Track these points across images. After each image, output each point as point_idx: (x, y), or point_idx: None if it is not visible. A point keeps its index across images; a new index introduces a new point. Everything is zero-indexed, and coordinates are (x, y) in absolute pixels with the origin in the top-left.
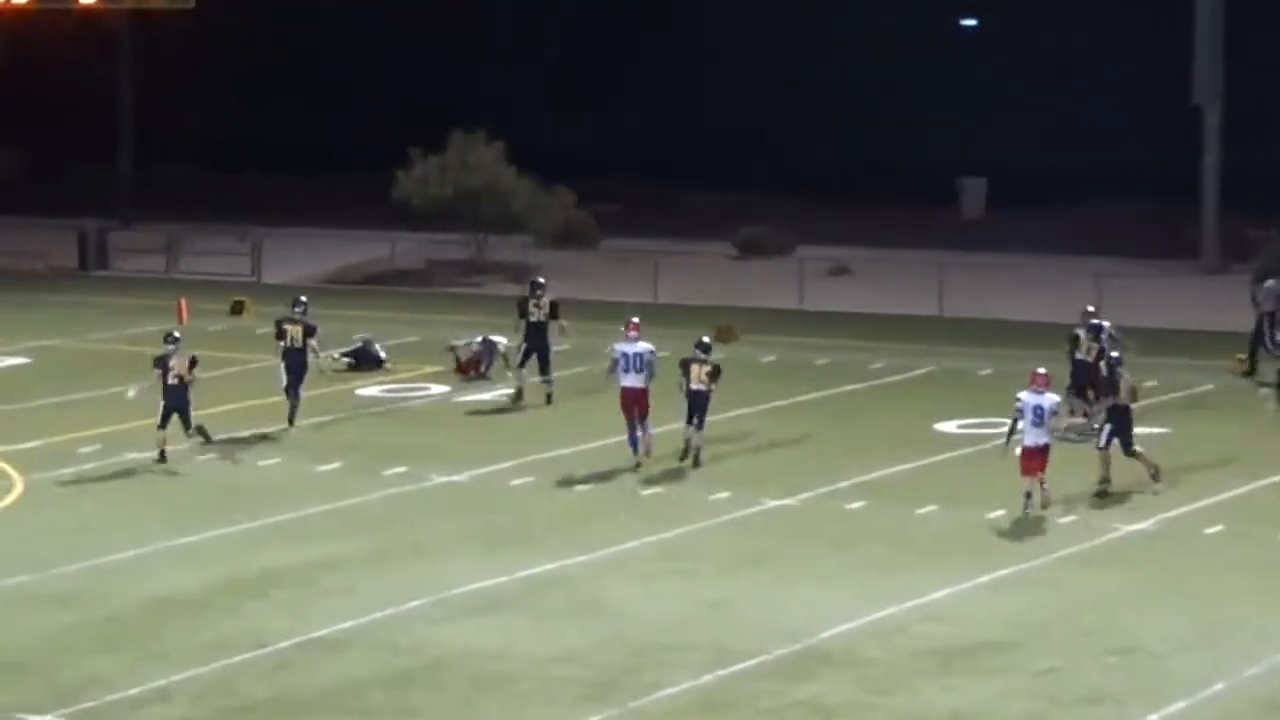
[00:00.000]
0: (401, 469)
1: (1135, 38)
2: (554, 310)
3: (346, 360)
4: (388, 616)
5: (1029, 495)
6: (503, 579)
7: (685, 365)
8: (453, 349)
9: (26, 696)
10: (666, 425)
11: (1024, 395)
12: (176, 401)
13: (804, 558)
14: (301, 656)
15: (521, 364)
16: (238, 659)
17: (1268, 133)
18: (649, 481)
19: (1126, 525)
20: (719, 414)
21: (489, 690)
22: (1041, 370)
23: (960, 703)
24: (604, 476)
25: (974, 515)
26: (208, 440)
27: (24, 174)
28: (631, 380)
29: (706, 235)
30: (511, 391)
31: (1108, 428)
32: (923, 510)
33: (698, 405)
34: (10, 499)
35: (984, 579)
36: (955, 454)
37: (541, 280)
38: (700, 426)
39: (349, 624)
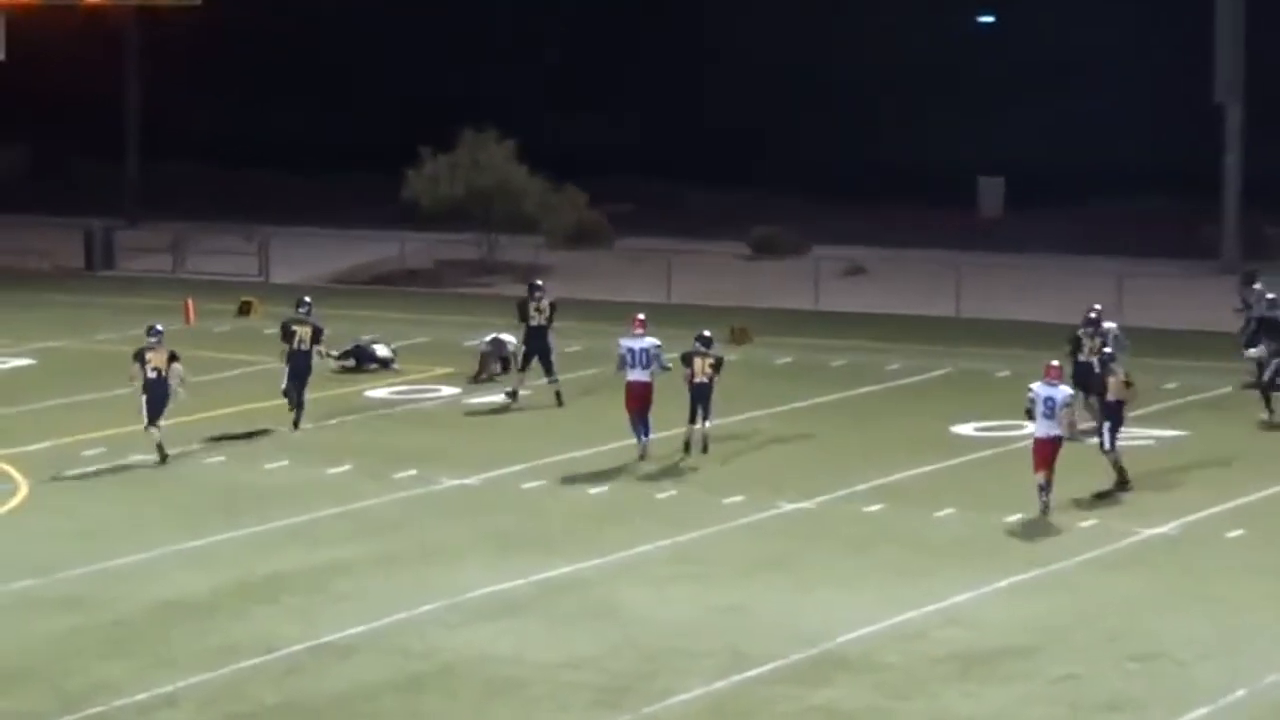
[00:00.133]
0: (412, 472)
1: (1155, 35)
2: (553, 312)
3: (341, 363)
4: (399, 621)
5: (1042, 488)
6: (515, 583)
7: (688, 359)
8: (484, 356)
9: (33, 702)
10: (673, 428)
11: (1036, 386)
12: (157, 395)
13: (820, 561)
14: (312, 661)
15: (523, 366)
16: (247, 664)
17: None
18: (663, 484)
19: (1147, 529)
20: (734, 415)
21: (501, 696)
22: (1055, 362)
23: (979, 709)
24: (617, 479)
25: (992, 518)
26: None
27: (29, 171)
28: (638, 375)
29: (719, 235)
30: (509, 390)
31: (1107, 427)
32: (940, 513)
33: (701, 398)
34: (15, 502)
35: (1003, 583)
36: (973, 456)
37: (540, 282)
38: (707, 417)
39: (360, 629)
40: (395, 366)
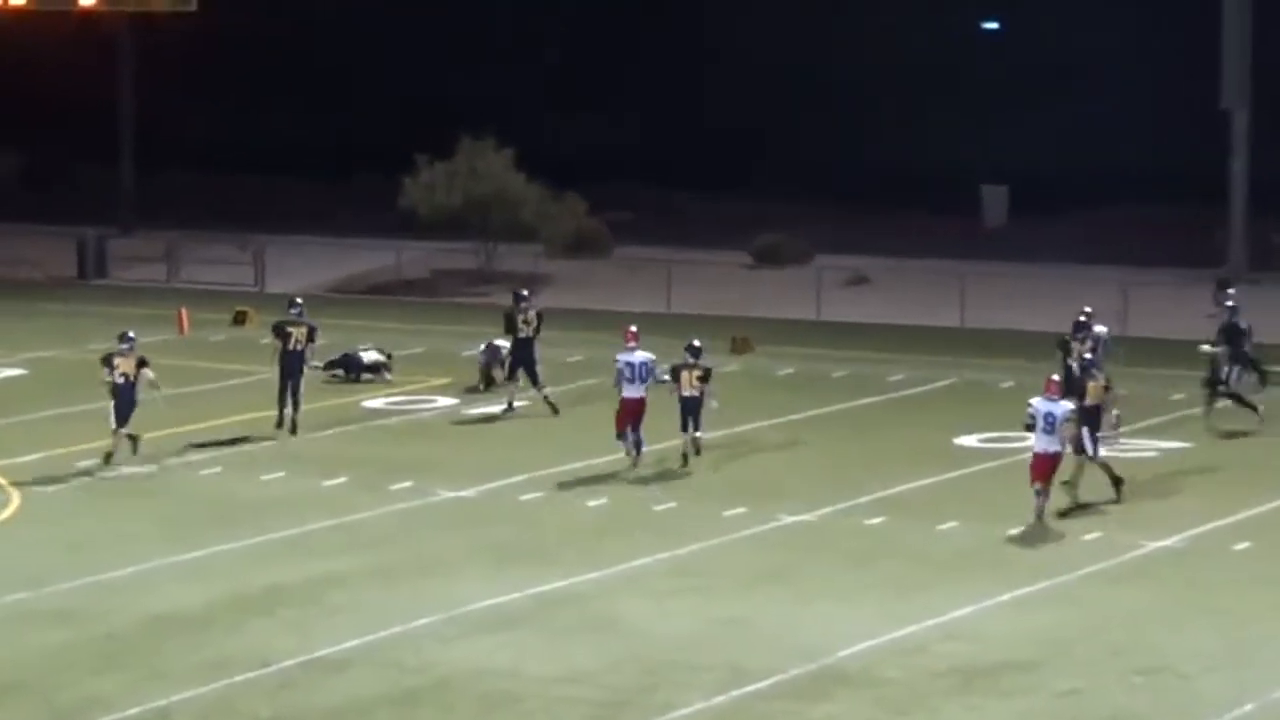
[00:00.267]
0: (408, 483)
1: (1160, 40)
2: (540, 322)
3: (331, 372)
4: (394, 635)
5: (1038, 494)
6: (512, 596)
7: (675, 371)
8: (483, 366)
9: (24, 716)
10: (666, 439)
11: (1036, 402)
12: (125, 400)
13: (821, 575)
14: (306, 676)
15: (510, 376)
16: (240, 678)
17: None
18: (662, 496)
19: (1152, 541)
20: (735, 426)
21: (498, 710)
22: (1055, 377)
23: None
24: (616, 491)
25: (996, 531)
26: (135, 449)
27: (21, 179)
28: (634, 390)
29: (720, 243)
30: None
31: (1086, 433)
32: (943, 526)
33: (690, 410)
34: (6, 513)
35: (1006, 596)
36: (977, 469)
37: (525, 292)
38: (698, 428)
39: (355, 642)
40: (388, 376)
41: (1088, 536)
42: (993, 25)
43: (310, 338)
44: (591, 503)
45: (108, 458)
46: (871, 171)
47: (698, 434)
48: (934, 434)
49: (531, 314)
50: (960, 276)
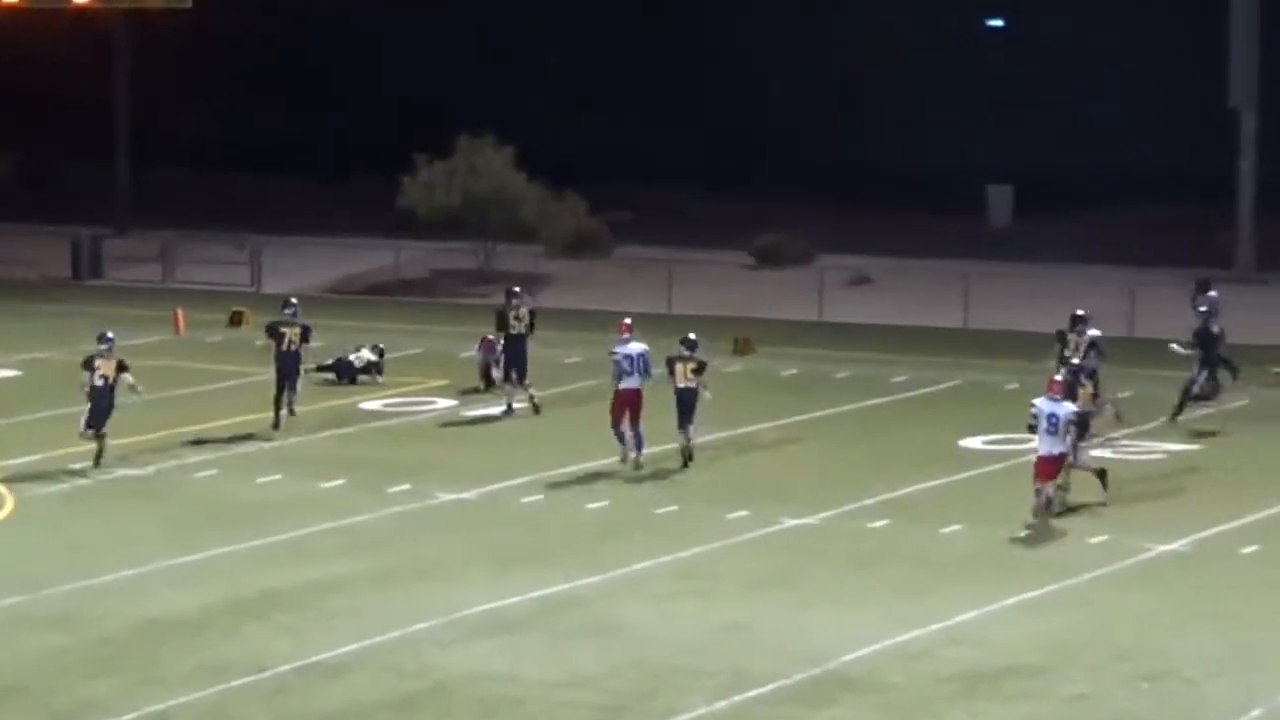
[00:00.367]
0: (407, 486)
1: (1168, 38)
2: (532, 321)
3: (324, 375)
4: (393, 639)
5: (1038, 493)
6: (512, 600)
7: (670, 363)
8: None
9: None
10: (667, 440)
11: (1039, 402)
12: (102, 403)
13: (824, 578)
14: (303, 681)
15: (506, 377)
16: (237, 683)
17: None
18: (664, 499)
19: (1159, 545)
20: (737, 428)
21: (497, 715)
22: (1059, 377)
23: None
24: (617, 493)
25: (1001, 534)
26: (99, 454)
27: (15, 179)
28: (631, 382)
29: (722, 244)
30: (503, 407)
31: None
32: (947, 529)
33: (685, 403)
34: (1, 516)
35: (1011, 601)
36: (981, 471)
37: (518, 289)
38: (690, 423)
39: (353, 647)
40: (380, 379)
41: (1094, 540)
42: (997, 23)
43: (304, 338)
44: (592, 505)
45: (98, 460)
46: (874, 171)
47: (690, 430)
48: (938, 436)
49: (524, 310)
50: (964, 277)
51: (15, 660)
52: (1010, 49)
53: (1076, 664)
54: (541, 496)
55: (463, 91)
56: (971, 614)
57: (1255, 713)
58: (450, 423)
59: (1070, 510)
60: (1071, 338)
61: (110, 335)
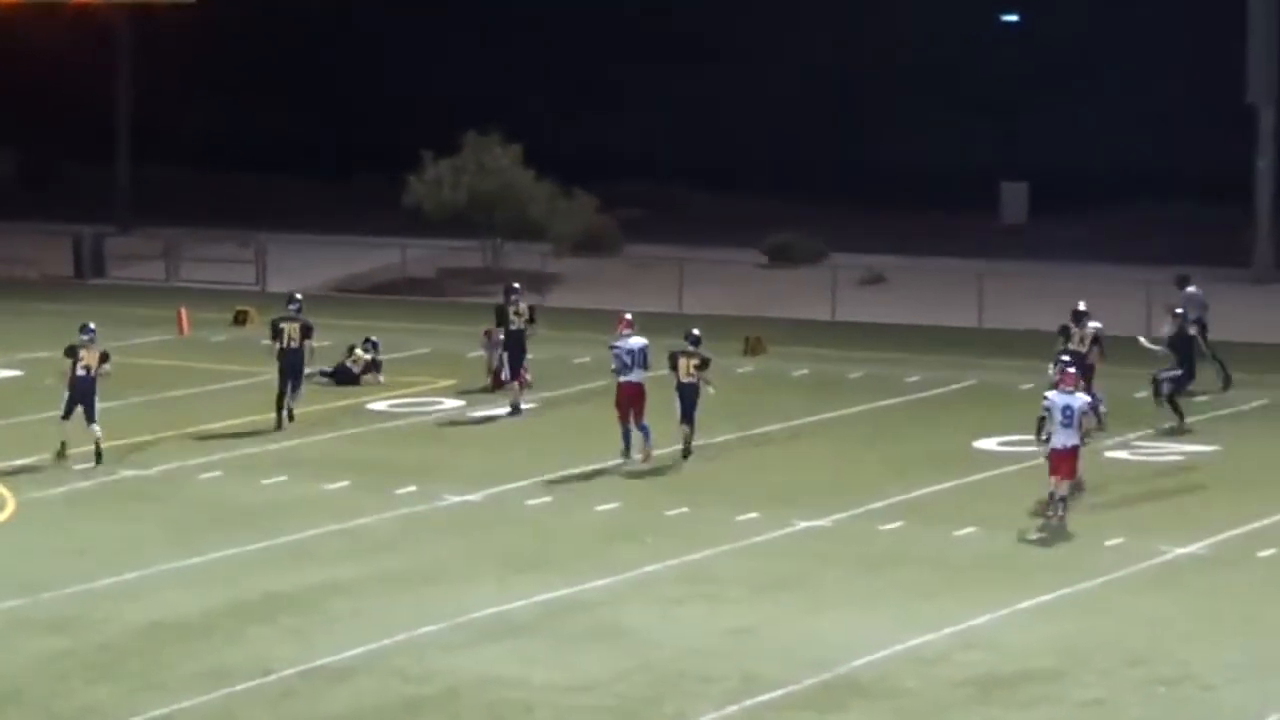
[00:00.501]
0: (413, 488)
1: (1184, 35)
2: (532, 316)
3: (325, 379)
4: (399, 643)
5: (1052, 497)
6: (519, 603)
7: (673, 358)
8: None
9: None
10: (675, 444)
11: (1052, 395)
12: (82, 393)
13: (836, 582)
14: (308, 685)
15: (513, 376)
16: (240, 687)
17: None
18: (673, 501)
19: (1175, 548)
20: (748, 429)
21: None
22: (1072, 370)
23: None
24: (625, 495)
25: (1015, 537)
26: (98, 448)
27: (16, 177)
28: (633, 376)
29: (733, 242)
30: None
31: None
32: (961, 532)
33: (687, 399)
34: (2, 518)
35: (1025, 604)
36: (996, 472)
37: (517, 285)
38: (690, 418)
39: (358, 651)
40: (381, 379)
41: (1109, 543)
42: (1012, 18)
43: (305, 334)
44: (600, 507)
45: (99, 456)
46: (887, 168)
47: (688, 429)
48: (952, 437)
49: (523, 306)
50: (979, 275)
51: (15, 665)
52: (1025, 44)
53: (1091, 669)
54: (549, 498)
55: (469, 88)
56: (985, 618)
57: (1273, 718)
58: (456, 423)
59: (1083, 512)
60: (1075, 332)
61: (92, 327)
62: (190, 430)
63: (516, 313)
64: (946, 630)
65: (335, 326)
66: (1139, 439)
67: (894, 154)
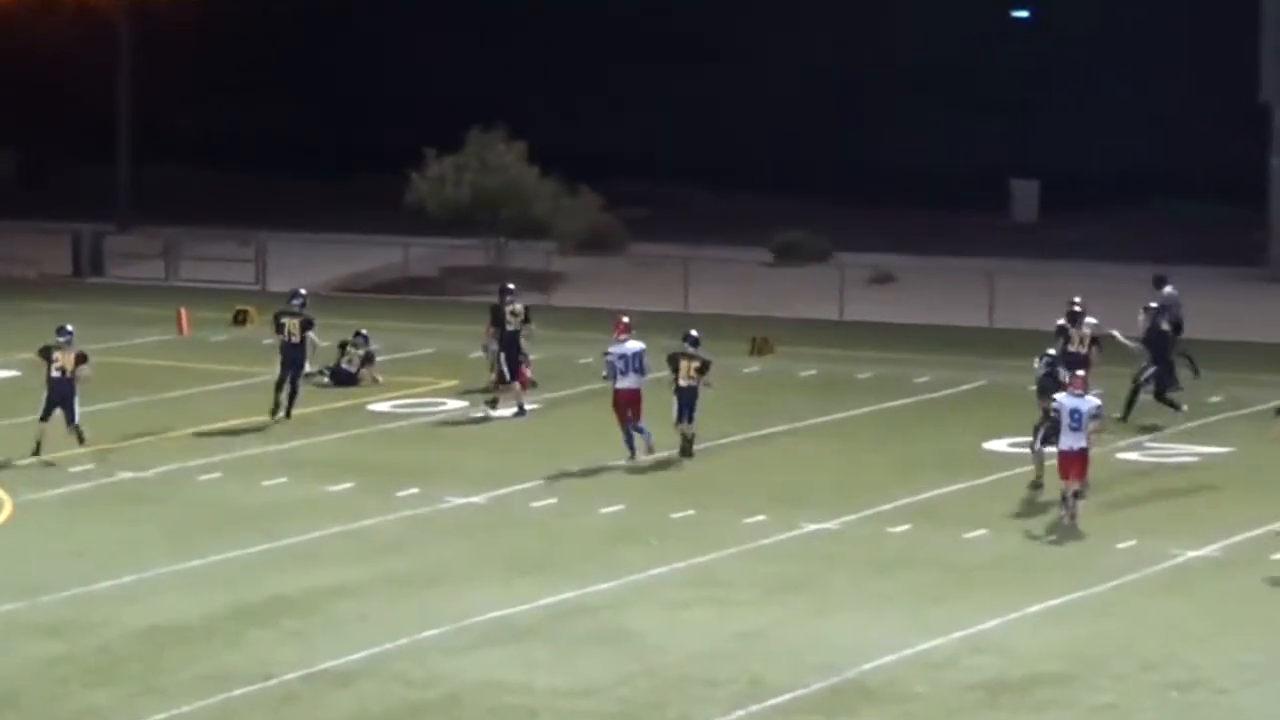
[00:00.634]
0: (415, 489)
1: (1197, 31)
2: (527, 316)
3: (325, 380)
4: (401, 647)
5: (1064, 499)
6: (523, 607)
7: (674, 360)
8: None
9: None
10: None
11: (1061, 398)
12: (60, 395)
13: (844, 585)
14: (310, 689)
15: (513, 376)
16: (241, 692)
17: None
18: (679, 503)
19: (1188, 551)
20: (755, 430)
21: None
22: (1080, 373)
23: None
24: (631, 497)
25: (1025, 540)
26: (81, 441)
27: (14, 174)
28: (629, 382)
29: (739, 240)
30: (513, 409)
31: (1043, 429)
32: (971, 534)
33: (686, 401)
34: None
35: (1036, 608)
36: (1006, 474)
37: (512, 285)
38: (690, 420)
39: (360, 654)
40: (379, 379)
41: (1121, 545)
42: (1023, 14)
43: (305, 329)
44: (605, 509)
45: (80, 439)
46: (896, 166)
47: (690, 428)
48: (962, 438)
49: (518, 306)
50: (989, 274)
51: (12, 669)
52: (1035, 41)
53: (1103, 673)
54: (553, 500)
55: (470, 87)
56: (995, 621)
57: None
58: (460, 424)
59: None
60: (1074, 331)
61: (69, 328)
62: (189, 431)
63: (513, 313)
64: (956, 634)
65: (337, 326)
66: (1150, 440)
67: (903, 152)
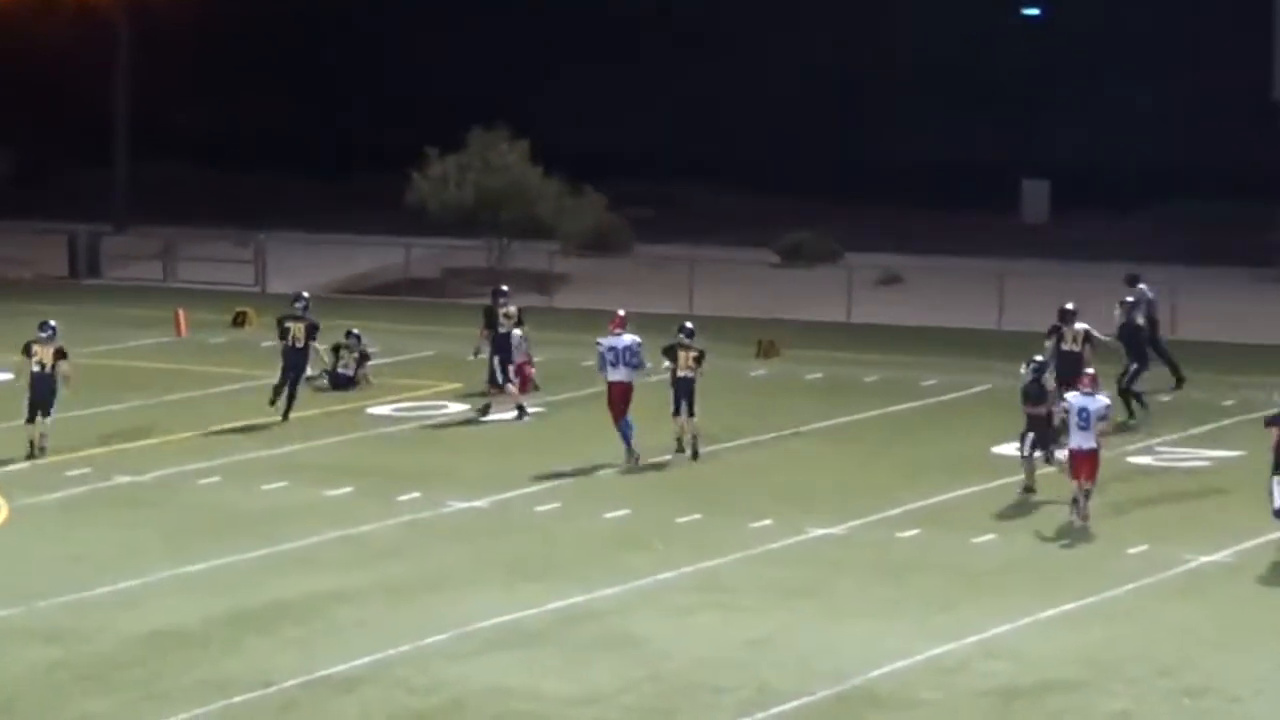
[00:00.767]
0: (416, 494)
1: (1209, 29)
2: (520, 319)
3: (324, 383)
4: (403, 653)
5: (1075, 501)
6: (527, 612)
7: (671, 352)
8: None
9: None
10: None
11: (1070, 397)
12: (40, 391)
13: (852, 590)
14: (310, 696)
15: (505, 379)
16: (240, 699)
17: None
18: (685, 507)
19: (1201, 556)
20: (761, 434)
21: None
22: (1090, 371)
23: None
24: (636, 501)
25: (1036, 544)
26: (40, 451)
27: (11, 173)
28: (619, 375)
29: (745, 241)
30: (514, 412)
31: (1031, 436)
32: (980, 539)
33: (685, 392)
34: None
35: (1047, 613)
36: (1015, 478)
37: (505, 287)
38: (691, 414)
39: (362, 660)
40: (373, 381)
41: (1133, 550)
42: (1034, 12)
43: (310, 335)
44: (610, 514)
45: (39, 450)
46: (904, 165)
47: (694, 421)
48: (970, 442)
49: (512, 308)
50: (998, 275)
51: (9, 675)
52: (1046, 39)
53: (1116, 679)
54: (556, 504)
55: (475, 85)
56: (1006, 627)
57: None
58: (462, 428)
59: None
60: (1067, 332)
61: (52, 324)
62: (187, 434)
63: (506, 315)
64: (966, 640)
65: (336, 328)
66: (1162, 444)
67: (911, 152)
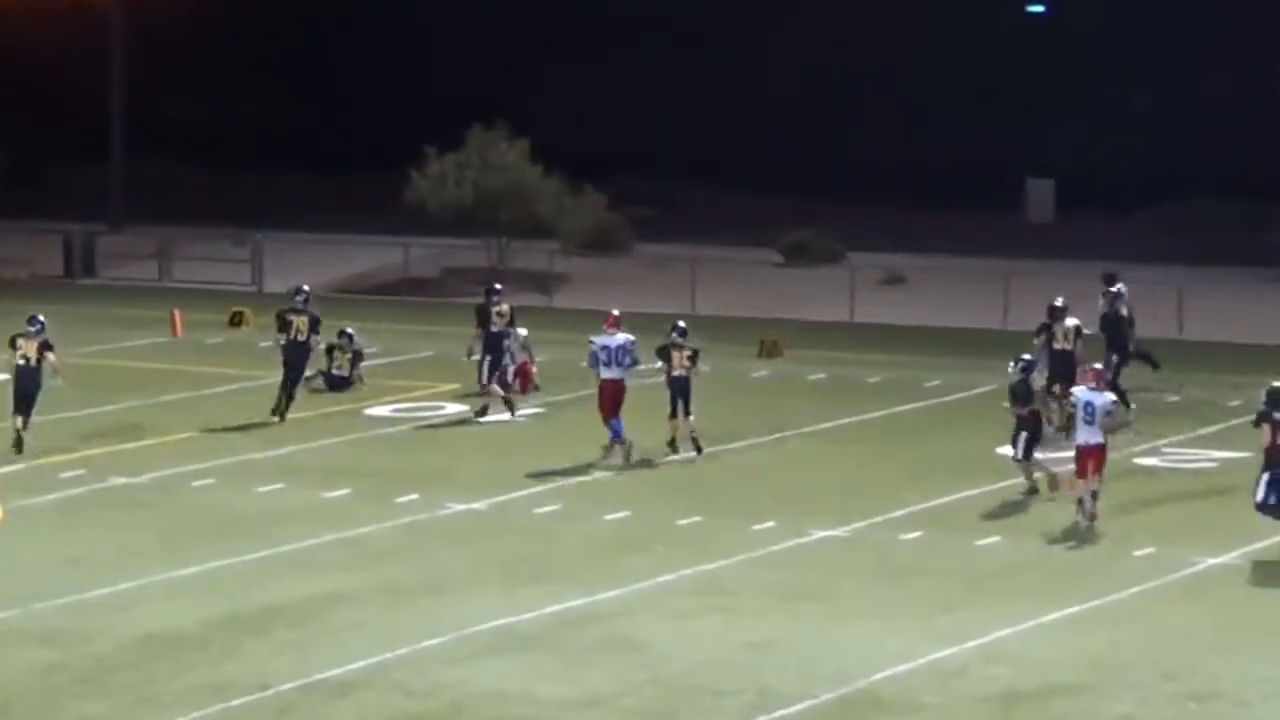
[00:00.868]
0: (414, 495)
1: (1216, 27)
2: (512, 318)
3: (320, 384)
4: (401, 656)
5: (1081, 502)
6: (526, 615)
7: (665, 352)
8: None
9: None
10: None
11: (1077, 392)
12: (25, 386)
13: (854, 593)
14: (307, 699)
15: (490, 379)
16: (237, 702)
17: None
18: (686, 509)
19: (1207, 558)
20: (763, 435)
21: None
22: (1097, 365)
23: None
24: (636, 503)
25: (1040, 546)
26: (20, 448)
27: (7, 172)
28: (611, 373)
29: (748, 240)
30: (508, 414)
31: (1024, 436)
32: (984, 541)
33: (681, 392)
34: None
35: (1051, 616)
36: (1019, 480)
37: (499, 286)
38: (689, 414)
39: (360, 664)
40: (366, 383)
41: (1139, 552)
42: (1038, 9)
43: (313, 328)
44: (610, 515)
45: (19, 446)
46: (907, 165)
47: (690, 419)
48: (974, 443)
49: (505, 307)
50: (1003, 275)
51: (4, 678)
52: (1051, 37)
53: (1120, 683)
54: (556, 506)
55: (475, 84)
56: (1009, 630)
57: None
58: (461, 429)
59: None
60: (1057, 329)
61: (40, 318)
62: (183, 436)
63: (499, 313)
64: (969, 643)
65: (334, 329)
66: (1168, 445)
67: (912, 151)
